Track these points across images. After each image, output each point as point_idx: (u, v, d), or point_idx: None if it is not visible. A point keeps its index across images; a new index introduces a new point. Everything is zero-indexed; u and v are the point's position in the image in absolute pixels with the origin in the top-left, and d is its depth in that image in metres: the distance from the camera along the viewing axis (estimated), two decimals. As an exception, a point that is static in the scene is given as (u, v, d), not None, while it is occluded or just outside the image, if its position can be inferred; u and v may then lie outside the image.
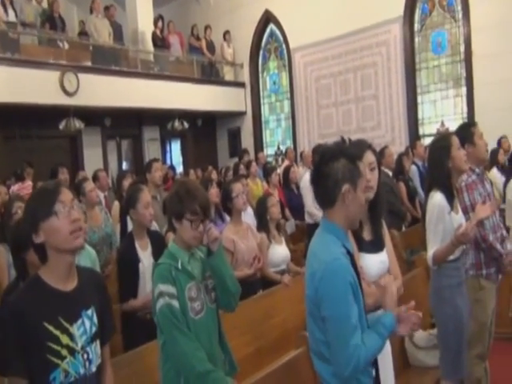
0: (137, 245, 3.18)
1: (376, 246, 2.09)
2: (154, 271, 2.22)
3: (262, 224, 4.03)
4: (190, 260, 2.23)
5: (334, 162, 1.73)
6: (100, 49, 9.42)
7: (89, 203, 4.46)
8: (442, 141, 2.85)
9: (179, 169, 11.23)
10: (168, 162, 11.70)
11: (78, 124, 8.59)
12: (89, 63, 8.97)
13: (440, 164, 2.75)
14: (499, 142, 6.78)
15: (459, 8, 9.00)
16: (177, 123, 10.42)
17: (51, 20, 9.05)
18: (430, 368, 3.23)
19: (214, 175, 8.16)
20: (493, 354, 3.35)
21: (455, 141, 2.78)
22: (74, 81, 8.33)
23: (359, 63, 10.11)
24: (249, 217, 5.03)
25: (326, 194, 1.75)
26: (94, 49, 9.30)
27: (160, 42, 10.68)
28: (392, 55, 9.69)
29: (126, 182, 5.34)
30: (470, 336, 2.92)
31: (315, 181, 1.79)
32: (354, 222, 1.80)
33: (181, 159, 12.33)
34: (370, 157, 2.07)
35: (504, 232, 3.24)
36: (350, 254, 1.77)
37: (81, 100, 8.40)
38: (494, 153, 6.44)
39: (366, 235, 2.09)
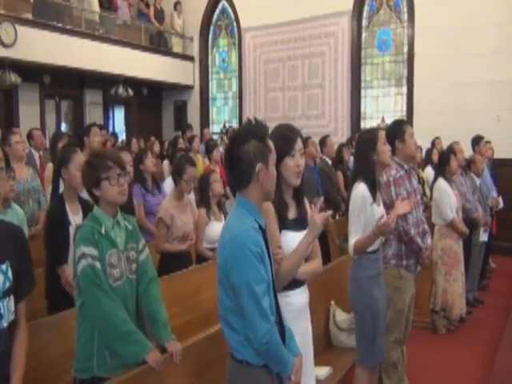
0: (67, 207, 3.12)
1: (299, 224, 2.16)
2: (76, 232, 2.22)
3: (203, 200, 4.04)
4: (113, 227, 2.24)
5: (245, 145, 1.80)
6: (42, 2, 8.87)
7: (14, 155, 4.27)
8: (370, 134, 2.95)
9: (122, 137, 10.91)
10: (110, 128, 11.34)
11: (14, 78, 8.09)
12: (29, 15, 8.43)
13: (365, 157, 2.86)
14: (433, 143, 7.15)
15: (405, 9, 9.30)
16: (121, 89, 10.08)
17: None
18: (351, 349, 3.42)
19: (157, 146, 8.02)
20: (412, 341, 3.61)
21: (382, 135, 2.90)
22: (12, 32, 7.81)
23: (307, 51, 10.22)
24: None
25: (241, 176, 1.83)
26: (35, 1, 8.74)
27: (107, 4, 10.29)
28: (339, 47, 9.87)
29: (62, 144, 5.18)
30: (388, 322, 3.11)
31: (229, 165, 1.86)
32: (269, 195, 1.91)
33: (124, 127, 11.97)
34: (300, 143, 2.14)
35: (425, 227, 3.44)
36: (262, 229, 1.85)
37: (18, 53, 7.89)
38: (429, 153, 6.80)
39: (291, 214, 2.16)
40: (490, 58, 8.13)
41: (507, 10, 7.99)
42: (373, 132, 2.97)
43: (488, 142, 6.57)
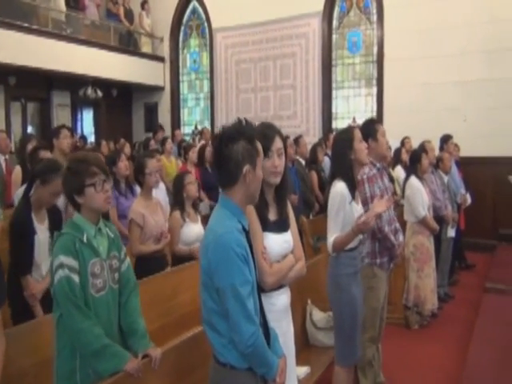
0: (33, 215, 3.01)
1: (281, 226, 2.15)
2: (55, 240, 2.13)
3: (178, 201, 3.99)
4: (96, 235, 2.17)
5: (234, 144, 1.78)
6: (7, 1, 8.62)
7: None
8: (345, 133, 2.98)
9: (90, 139, 10.71)
10: (79, 130, 11.11)
11: (-24, 79, 7.85)
12: (-8, 15, 8.19)
13: (343, 155, 2.87)
14: (402, 142, 7.28)
15: (374, 11, 9.45)
16: (90, 91, 9.91)
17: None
18: (328, 347, 3.44)
19: (127, 148, 7.90)
20: (387, 337, 3.65)
21: (357, 134, 2.93)
22: (-26, 31, 7.58)
23: (279, 52, 10.27)
24: (161, 193, 4.98)
25: (228, 176, 1.82)
26: (-1, 0, 8.51)
27: (73, 3, 10.09)
28: (310, 48, 9.95)
29: (31, 146, 5.04)
30: (363, 321, 3.13)
31: (217, 163, 1.84)
32: (253, 198, 1.89)
33: (93, 129, 11.75)
34: (278, 142, 2.11)
35: (397, 225, 3.49)
36: (245, 230, 1.84)
37: (-19, 53, 7.67)
38: (398, 152, 6.91)
39: (272, 216, 2.15)
40: (457, 58, 8.34)
41: (474, 11, 8.22)
42: (349, 131, 2.99)
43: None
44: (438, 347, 4.46)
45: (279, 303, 2.12)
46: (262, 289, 1.98)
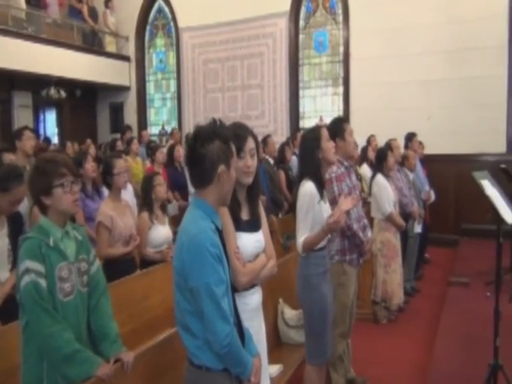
0: None
1: (253, 225, 2.15)
2: (20, 245, 2.07)
3: (146, 203, 3.94)
4: (63, 238, 2.12)
5: (209, 144, 1.78)
6: (-37, -2, 8.34)
7: None
8: (313, 132, 2.99)
9: (54, 140, 10.44)
10: (41, 132, 10.82)
11: None
12: None
13: (311, 154, 2.89)
14: (368, 141, 7.41)
15: (340, 11, 9.59)
16: (53, 91, 9.66)
17: None
18: (300, 345, 3.47)
19: (93, 149, 7.75)
20: (356, 332, 3.72)
21: (325, 133, 2.95)
22: None
23: (246, 52, 10.29)
24: (128, 194, 4.91)
25: (203, 176, 1.81)
26: (-45, -3, 8.21)
27: (34, 1, 9.84)
28: (278, 48, 10.01)
29: (-8, 148, 4.86)
30: (334, 317, 3.18)
31: (191, 162, 1.83)
32: (226, 199, 1.89)
33: (56, 130, 11.46)
34: (251, 143, 2.12)
35: (365, 221, 3.56)
36: (218, 230, 1.83)
37: None
38: (364, 150, 7.04)
39: (244, 215, 2.15)
40: (420, 58, 8.56)
41: (436, 12, 8.45)
42: (316, 130, 3.00)
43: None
44: (406, 340, 4.57)
45: (252, 302, 2.13)
46: (235, 288, 1.98)
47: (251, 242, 2.11)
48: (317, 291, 2.85)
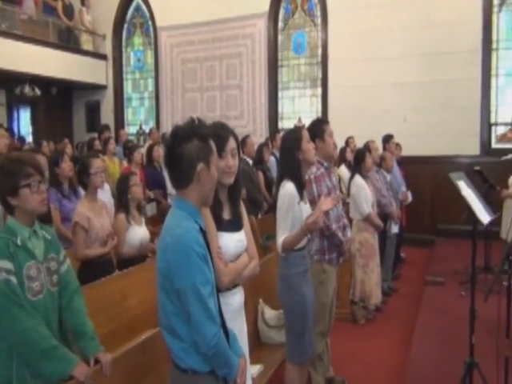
0: None
1: (234, 225, 2.15)
2: None
3: (122, 203, 3.89)
4: (31, 237, 2.11)
5: (187, 143, 1.75)
6: None
7: None
8: (293, 133, 3.00)
9: (28, 139, 10.22)
10: (15, 130, 10.58)
11: None
12: None
13: (291, 155, 2.90)
14: (347, 142, 7.48)
15: (318, 14, 9.67)
16: (27, 89, 9.48)
17: None
18: (280, 345, 3.48)
19: (69, 149, 7.61)
20: (335, 332, 3.74)
21: (305, 134, 2.97)
22: None
23: (225, 52, 10.28)
24: (105, 194, 4.84)
25: (182, 175, 1.78)
26: None
27: (8, -3, 9.63)
28: (256, 49, 10.03)
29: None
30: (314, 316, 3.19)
31: (170, 163, 1.80)
32: (208, 199, 1.86)
33: (30, 129, 11.23)
34: (232, 142, 2.11)
35: (345, 221, 3.59)
36: (202, 230, 1.82)
37: None
38: (342, 151, 7.10)
39: (226, 215, 2.15)
40: (396, 61, 8.70)
41: (412, 16, 8.60)
42: (297, 131, 3.02)
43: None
44: (384, 340, 4.62)
45: (234, 303, 2.12)
46: (217, 289, 1.97)
47: (233, 242, 2.11)
48: (297, 291, 2.86)
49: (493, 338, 2.68)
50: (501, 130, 8.56)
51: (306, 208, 2.91)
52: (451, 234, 7.81)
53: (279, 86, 10.11)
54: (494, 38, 8.39)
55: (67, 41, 10.62)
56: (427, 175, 8.47)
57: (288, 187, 2.84)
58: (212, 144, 1.83)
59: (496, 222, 4.57)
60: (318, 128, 3.38)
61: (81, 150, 8.18)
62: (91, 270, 3.51)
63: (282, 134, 8.86)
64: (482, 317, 3.03)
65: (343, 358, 4.09)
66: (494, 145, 8.52)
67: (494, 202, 5.35)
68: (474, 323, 2.99)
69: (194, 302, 1.69)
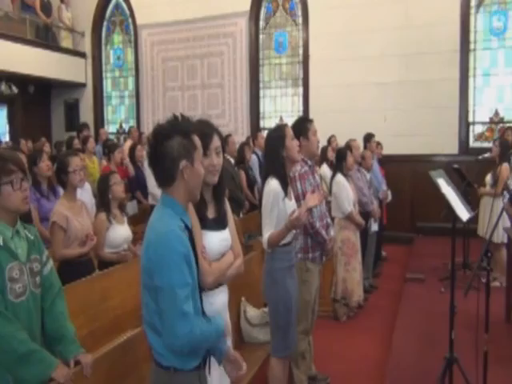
0: None
1: (219, 224, 2.13)
2: None
3: (103, 203, 3.85)
4: (13, 237, 2.04)
5: (169, 141, 1.74)
6: None
7: None
8: (278, 131, 3.03)
9: (4, 138, 10.01)
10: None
11: None
12: None
13: (275, 153, 2.93)
14: (328, 141, 7.52)
15: (299, 13, 9.70)
16: (3, 87, 9.30)
17: None
18: (263, 343, 3.48)
19: (47, 148, 7.49)
20: (317, 330, 3.76)
21: (289, 132, 3.00)
22: None
23: (206, 51, 10.23)
24: (86, 194, 4.78)
25: (165, 174, 1.76)
26: None
27: (-17, -7, 9.42)
28: (238, 48, 10.01)
29: None
30: (297, 313, 3.21)
31: (153, 162, 1.79)
32: (194, 195, 1.84)
33: (7, 128, 11.00)
34: (216, 140, 2.10)
35: (329, 220, 3.62)
36: (188, 228, 1.80)
37: None
38: (324, 150, 7.13)
39: (210, 213, 2.13)
40: (376, 61, 8.78)
41: (391, 17, 8.69)
42: (281, 129, 3.04)
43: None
44: (366, 337, 4.66)
45: (218, 302, 2.11)
46: (201, 288, 1.95)
47: (217, 241, 2.10)
48: (281, 286, 2.90)
49: (472, 333, 2.72)
50: (478, 129, 8.72)
51: (290, 204, 2.94)
52: (430, 232, 7.93)
53: (261, 85, 10.10)
54: (472, 38, 8.54)
55: (45, 38, 10.43)
56: (407, 174, 8.57)
57: (272, 184, 2.87)
58: (196, 140, 1.80)
59: (474, 220, 4.67)
60: (302, 126, 3.40)
61: (59, 148, 8.03)
62: (71, 270, 3.45)
63: (264, 133, 8.90)
64: (461, 313, 3.08)
65: (325, 356, 4.11)
66: (472, 144, 8.67)
67: (472, 200, 5.46)
68: (453, 319, 3.04)
69: (168, 302, 1.66)
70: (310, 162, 3.45)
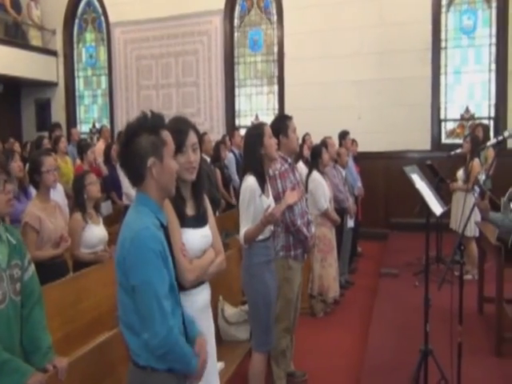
0: None
1: (199, 221, 2.11)
2: None
3: (78, 203, 3.79)
4: None
5: (136, 139, 1.72)
6: None
7: None
8: (256, 129, 3.06)
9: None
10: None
11: None
12: None
13: (253, 150, 2.96)
14: (303, 139, 7.55)
15: (274, 11, 9.72)
16: (-29, 86, 9.02)
17: None
18: (241, 342, 3.47)
19: (17, 148, 7.31)
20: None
21: (268, 130, 3.03)
22: None
23: (181, 49, 10.16)
24: (58, 194, 4.69)
25: (135, 172, 1.75)
26: None
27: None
28: (213, 46, 9.97)
29: None
30: (278, 311, 3.22)
31: (122, 162, 1.77)
32: (168, 191, 1.82)
33: (-26, 128, 10.71)
34: (193, 137, 2.07)
35: (309, 217, 3.63)
36: (163, 226, 1.78)
37: None
38: (299, 148, 7.16)
39: (189, 211, 2.11)
40: (351, 59, 8.87)
41: (365, 16, 8.78)
42: (259, 127, 3.07)
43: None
44: (342, 332, 4.71)
45: (200, 300, 2.09)
46: (181, 286, 1.93)
47: (198, 238, 2.08)
48: (260, 281, 2.91)
49: (446, 325, 2.77)
50: (450, 125, 8.90)
51: (267, 201, 2.95)
52: (404, 228, 8.05)
53: (236, 83, 10.09)
54: (443, 37, 8.71)
55: (14, 36, 10.18)
56: (381, 170, 8.69)
57: (249, 181, 2.89)
58: (165, 135, 1.77)
59: (446, 215, 4.76)
60: (282, 124, 3.42)
61: (30, 149, 7.85)
62: (44, 272, 3.33)
63: (240, 131, 8.90)
64: (435, 306, 3.14)
65: (303, 352, 4.13)
66: (444, 140, 8.85)
67: (444, 195, 5.57)
68: (428, 312, 3.10)
69: (146, 300, 1.65)
70: (289, 160, 3.47)
